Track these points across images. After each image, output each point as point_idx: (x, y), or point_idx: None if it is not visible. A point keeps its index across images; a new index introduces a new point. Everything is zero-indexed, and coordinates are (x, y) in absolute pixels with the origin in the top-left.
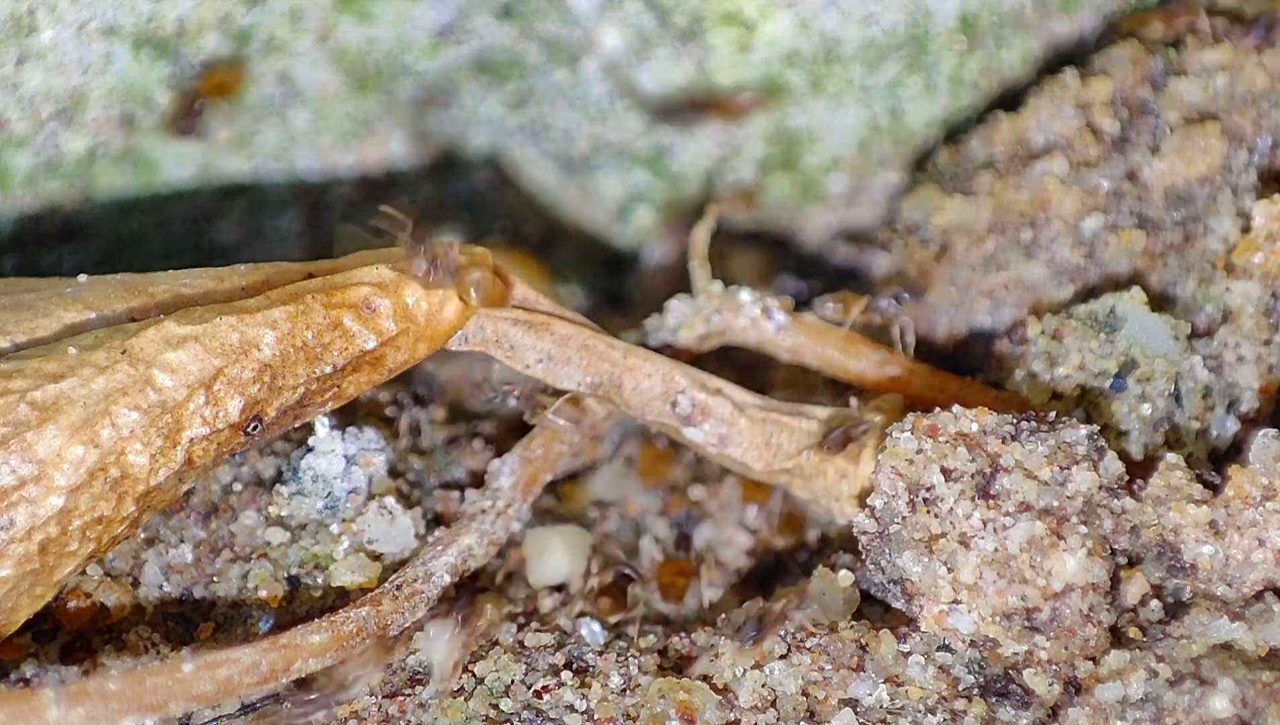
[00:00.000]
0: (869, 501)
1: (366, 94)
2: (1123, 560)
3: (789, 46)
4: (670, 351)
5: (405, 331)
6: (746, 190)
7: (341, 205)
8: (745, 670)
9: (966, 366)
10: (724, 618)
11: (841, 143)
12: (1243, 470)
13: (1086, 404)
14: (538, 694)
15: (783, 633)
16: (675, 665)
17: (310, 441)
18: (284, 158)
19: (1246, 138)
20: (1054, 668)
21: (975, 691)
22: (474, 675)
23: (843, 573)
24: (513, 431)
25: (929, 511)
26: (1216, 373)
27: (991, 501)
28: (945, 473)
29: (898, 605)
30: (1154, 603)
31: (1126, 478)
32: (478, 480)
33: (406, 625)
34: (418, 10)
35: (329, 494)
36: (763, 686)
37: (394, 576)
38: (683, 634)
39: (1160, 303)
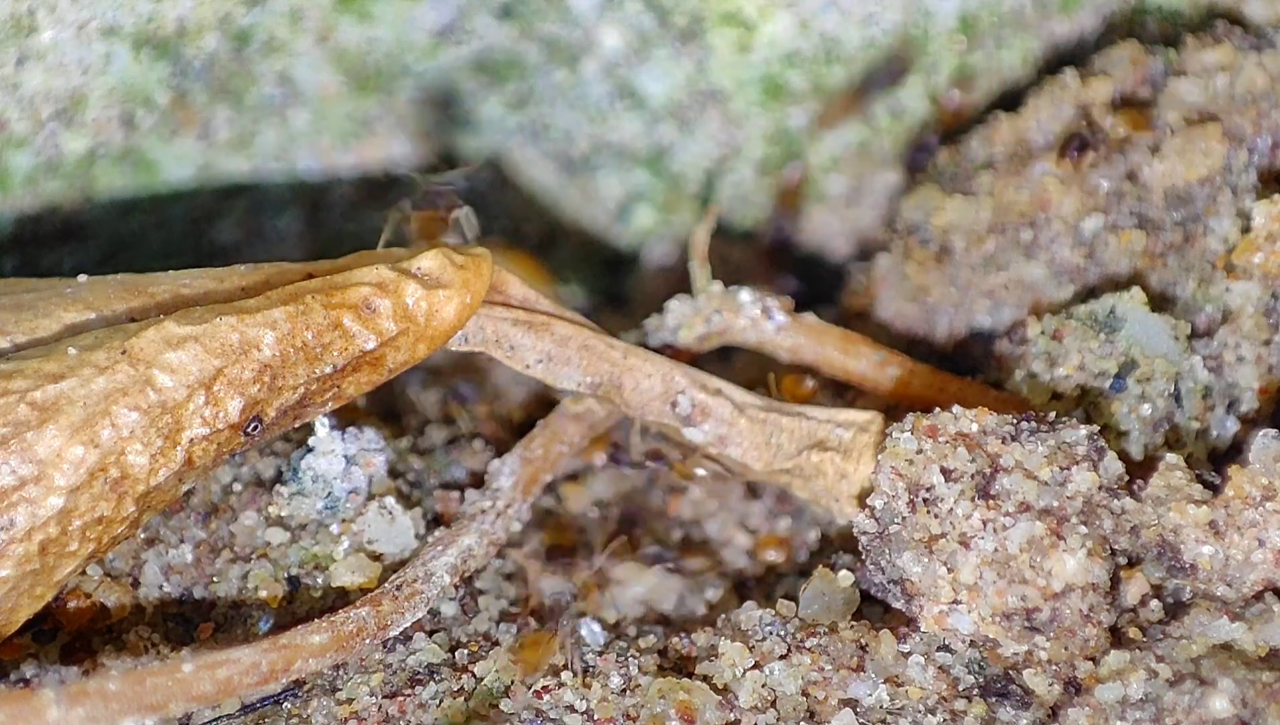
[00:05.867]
0: (869, 501)
1: (366, 94)
2: (1123, 560)
3: (789, 46)
4: (670, 351)
5: (405, 332)
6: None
7: (341, 205)
8: (745, 670)
9: (966, 366)
10: (724, 618)
11: (841, 143)
12: (1243, 470)
13: (1086, 404)
14: (538, 694)
15: (783, 633)
16: (675, 665)
17: (310, 441)
18: (284, 158)
19: (1246, 138)
20: (1054, 668)
21: (975, 691)
22: (474, 675)
23: (843, 573)
24: (513, 431)
25: (929, 512)
26: (1216, 373)
27: (991, 502)
28: (945, 473)
29: (898, 605)
30: (1154, 603)
31: (1126, 478)
32: (478, 480)
33: (406, 626)
34: (418, 10)
35: (329, 494)
36: (763, 686)
37: (394, 577)
38: (683, 634)
39: (1160, 303)
